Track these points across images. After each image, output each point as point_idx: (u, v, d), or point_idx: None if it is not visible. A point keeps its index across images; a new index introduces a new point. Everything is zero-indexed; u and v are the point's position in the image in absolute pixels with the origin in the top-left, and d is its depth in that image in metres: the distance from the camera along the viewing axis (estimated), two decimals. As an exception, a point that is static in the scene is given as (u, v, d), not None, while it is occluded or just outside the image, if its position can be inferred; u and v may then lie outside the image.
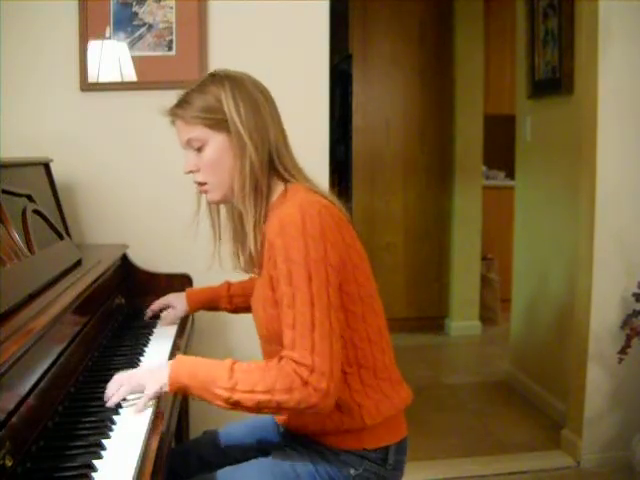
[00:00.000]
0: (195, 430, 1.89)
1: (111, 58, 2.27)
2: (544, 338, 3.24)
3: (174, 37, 2.28)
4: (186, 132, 1.35)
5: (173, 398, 1.37)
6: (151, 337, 1.75)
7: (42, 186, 1.96)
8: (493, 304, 4.74)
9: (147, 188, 2.33)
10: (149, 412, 1.25)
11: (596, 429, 2.64)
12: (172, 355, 1.62)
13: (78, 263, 1.75)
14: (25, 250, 1.47)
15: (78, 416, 1.25)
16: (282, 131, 1.38)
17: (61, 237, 1.79)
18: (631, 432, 2.56)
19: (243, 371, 1.20)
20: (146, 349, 1.66)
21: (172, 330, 1.80)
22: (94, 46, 2.26)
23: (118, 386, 1.28)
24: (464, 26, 4.35)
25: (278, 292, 1.24)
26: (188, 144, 1.35)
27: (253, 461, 1.37)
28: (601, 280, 2.58)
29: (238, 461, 1.40)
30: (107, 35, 2.26)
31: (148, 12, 2.27)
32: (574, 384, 2.72)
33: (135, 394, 1.28)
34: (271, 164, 1.34)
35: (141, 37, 2.28)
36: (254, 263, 1.39)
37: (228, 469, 1.36)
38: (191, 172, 1.37)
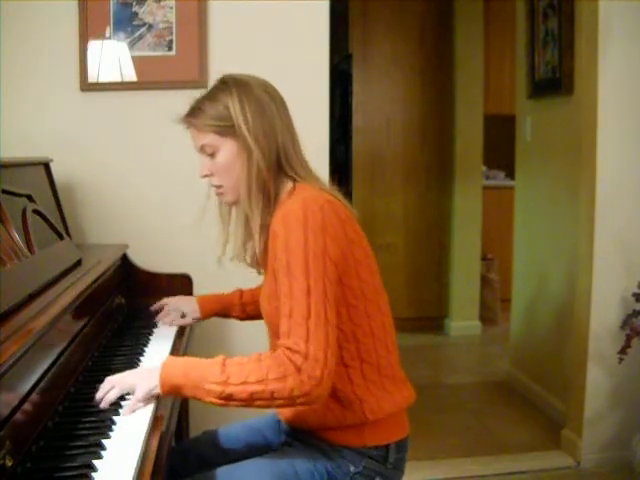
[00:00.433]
0: (195, 430, 1.89)
1: (111, 58, 2.27)
2: (544, 338, 3.24)
3: (174, 37, 2.28)
4: (199, 139, 1.40)
5: (173, 398, 1.37)
6: (151, 337, 1.75)
7: (42, 186, 1.96)
8: (493, 304, 4.74)
9: (147, 188, 2.33)
10: (149, 412, 1.25)
11: (596, 429, 2.64)
12: (172, 355, 1.62)
13: (78, 263, 1.75)
14: (25, 250, 1.47)
15: (78, 416, 1.25)
16: (291, 133, 1.41)
17: (61, 237, 1.79)
18: (631, 432, 2.56)
19: (235, 364, 1.21)
20: (146, 349, 1.66)
21: (172, 330, 1.79)
22: (94, 46, 2.26)
23: (109, 388, 1.29)
24: (464, 26, 4.34)
25: (277, 281, 1.26)
26: (202, 150, 1.41)
27: (252, 460, 1.37)
28: (601, 280, 2.58)
29: (238, 460, 1.40)
30: (107, 35, 2.26)
31: (148, 12, 2.27)
32: (574, 384, 2.72)
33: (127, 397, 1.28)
34: (279, 166, 1.38)
35: (141, 37, 2.28)
36: (259, 262, 1.45)
37: (227, 468, 1.36)
38: (206, 176, 1.42)
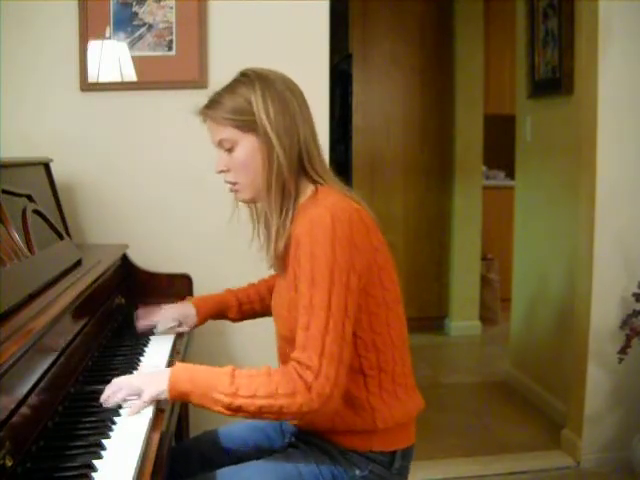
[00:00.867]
0: (195, 430, 1.89)
1: (111, 58, 2.27)
2: (544, 338, 3.24)
3: (174, 37, 2.28)
4: (217, 133, 1.35)
5: (173, 398, 1.37)
6: (151, 337, 1.75)
7: (42, 186, 1.96)
8: (493, 304, 4.74)
9: (147, 188, 2.33)
10: (149, 412, 1.25)
11: (596, 429, 2.64)
12: (172, 355, 1.62)
13: (78, 263, 1.75)
14: (25, 250, 1.47)
15: (78, 416, 1.25)
16: (313, 132, 1.38)
17: (61, 237, 1.79)
18: (631, 432, 2.56)
19: (244, 376, 1.20)
20: (146, 349, 1.66)
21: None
22: (94, 46, 2.26)
23: (116, 389, 1.28)
24: (464, 26, 4.34)
25: (298, 291, 1.24)
26: (220, 144, 1.36)
27: (255, 461, 1.36)
28: (601, 280, 2.58)
29: (240, 460, 1.40)
30: (107, 35, 2.26)
31: (148, 12, 2.27)
32: (574, 384, 2.72)
33: (132, 398, 1.28)
34: (300, 165, 1.34)
35: (141, 37, 2.28)
36: (277, 263, 1.38)
37: (230, 469, 1.35)
38: (222, 172, 1.37)
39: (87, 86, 2.27)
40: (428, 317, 4.59)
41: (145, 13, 2.27)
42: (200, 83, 2.25)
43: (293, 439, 1.46)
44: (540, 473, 2.64)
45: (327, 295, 1.18)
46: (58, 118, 2.28)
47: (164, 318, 1.72)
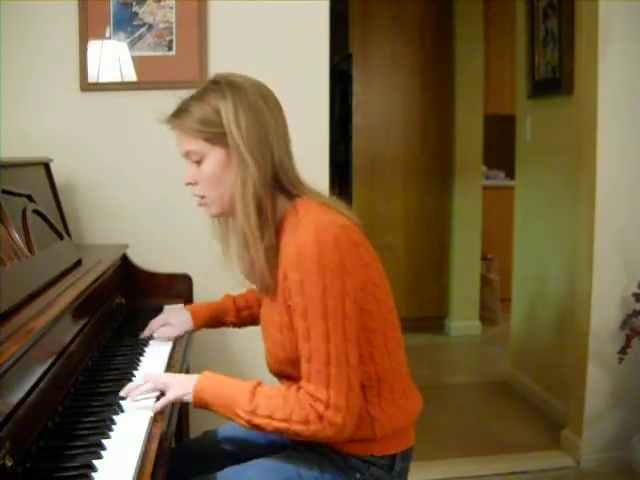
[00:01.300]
0: (195, 430, 1.89)
1: (111, 58, 2.27)
2: (544, 338, 3.24)
3: (174, 37, 2.28)
4: (184, 144, 1.28)
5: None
6: (151, 338, 1.75)
7: (42, 186, 1.96)
8: (493, 304, 4.74)
9: (147, 188, 2.33)
10: (149, 412, 1.25)
11: (596, 429, 2.64)
12: (172, 355, 1.62)
13: (78, 263, 1.75)
14: (25, 250, 1.47)
15: (78, 416, 1.25)
16: (286, 141, 1.30)
17: (61, 237, 1.79)
18: (631, 432, 2.56)
19: (264, 396, 1.21)
20: (146, 349, 1.65)
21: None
22: (94, 46, 2.26)
23: (143, 381, 1.29)
24: (464, 26, 4.34)
25: (294, 322, 1.23)
26: (187, 156, 1.29)
27: (256, 463, 1.36)
28: (601, 280, 2.58)
29: (240, 460, 1.39)
30: (107, 35, 2.26)
31: (148, 12, 2.27)
32: (574, 384, 2.72)
33: (144, 397, 1.29)
34: (275, 179, 1.26)
35: (141, 37, 2.28)
36: (263, 289, 1.32)
37: (230, 470, 1.35)
38: (190, 184, 1.31)
39: (87, 86, 2.27)
40: (428, 317, 4.59)
41: (145, 13, 2.27)
42: (200, 83, 2.22)
43: (296, 443, 1.45)
44: (540, 473, 2.64)
45: (324, 325, 1.16)
46: (58, 118, 2.28)
47: (162, 335, 1.71)
